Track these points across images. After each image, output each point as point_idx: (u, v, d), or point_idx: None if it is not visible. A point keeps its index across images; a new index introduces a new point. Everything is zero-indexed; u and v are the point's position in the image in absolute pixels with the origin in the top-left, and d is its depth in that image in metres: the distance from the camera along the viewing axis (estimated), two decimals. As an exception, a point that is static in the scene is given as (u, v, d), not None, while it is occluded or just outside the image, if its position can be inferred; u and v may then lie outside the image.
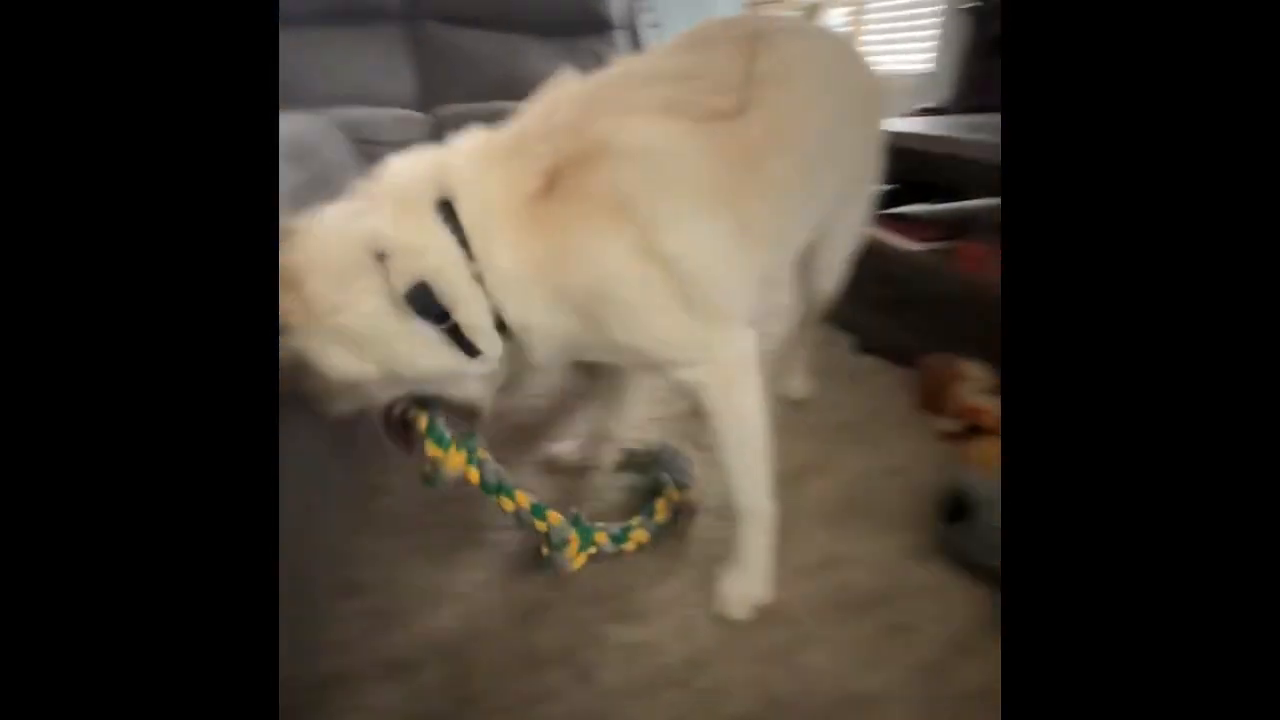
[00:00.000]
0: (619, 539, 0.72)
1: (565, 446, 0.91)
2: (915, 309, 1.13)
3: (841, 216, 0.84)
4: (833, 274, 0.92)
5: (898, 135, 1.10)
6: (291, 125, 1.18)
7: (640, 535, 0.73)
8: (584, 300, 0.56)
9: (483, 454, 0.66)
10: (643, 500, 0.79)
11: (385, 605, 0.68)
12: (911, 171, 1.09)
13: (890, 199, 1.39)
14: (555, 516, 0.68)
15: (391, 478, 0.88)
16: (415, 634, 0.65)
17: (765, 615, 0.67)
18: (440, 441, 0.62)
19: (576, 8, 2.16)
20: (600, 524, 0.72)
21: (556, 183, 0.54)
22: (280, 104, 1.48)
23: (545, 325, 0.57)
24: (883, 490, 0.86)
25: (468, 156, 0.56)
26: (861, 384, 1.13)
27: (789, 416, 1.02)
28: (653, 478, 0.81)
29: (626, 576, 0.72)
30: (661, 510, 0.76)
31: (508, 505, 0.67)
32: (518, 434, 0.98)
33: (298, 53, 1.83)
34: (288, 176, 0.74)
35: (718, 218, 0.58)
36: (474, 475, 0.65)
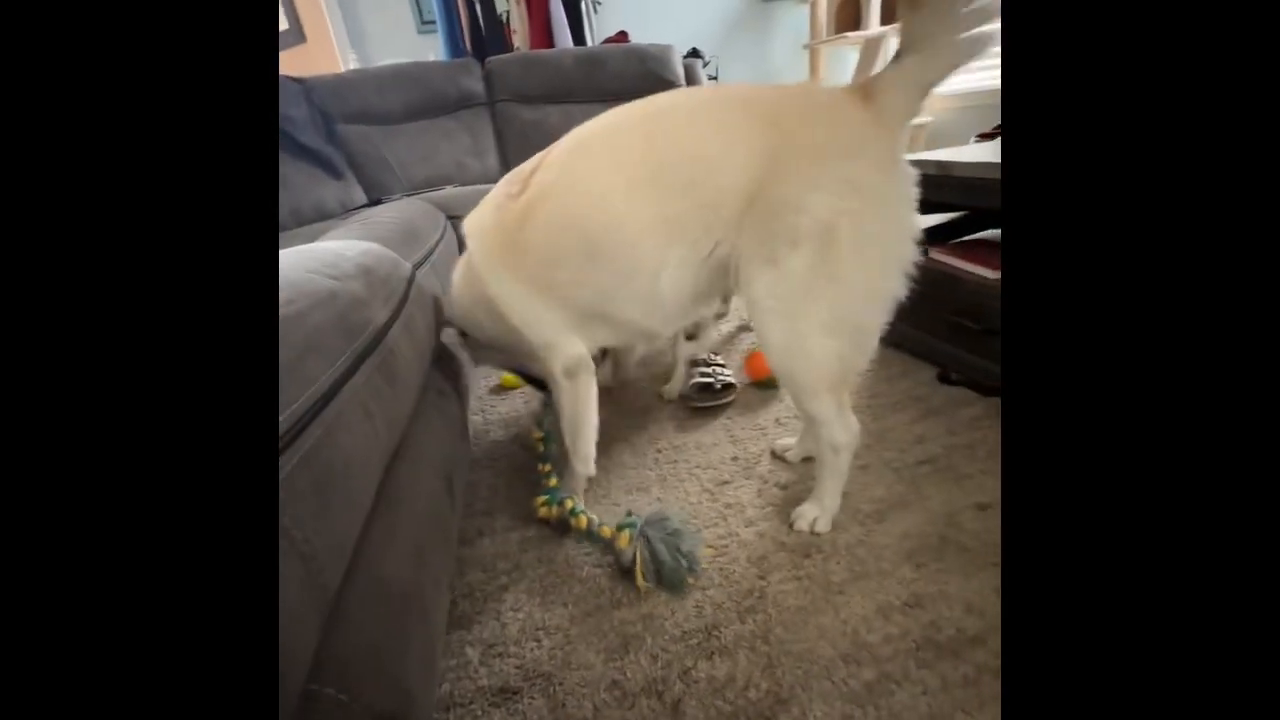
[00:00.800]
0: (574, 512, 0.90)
1: None
2: (998, 337, 1.09)
3: (745, 275, 0.74)
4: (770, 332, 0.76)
5: (961, 165, 1.10)
6: (407, 208, 1.37)
7: (581, 521, 0.88)
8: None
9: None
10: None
11: (490, 637, 0.76)
12: (980, 199, 1.08)
13: (960, 227, 1.37)
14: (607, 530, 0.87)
15: (495, 520, 0.98)
16: (517, 664, 0.71)
17: (851, 654, 0.67)
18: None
19: (640, 74, 2.32)
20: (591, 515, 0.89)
21: None
22: (393, 189, 1.79)
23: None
24: (973, 527, 0.83)
25: None
26: (944, 417, 1.10)
27: (870, 453, 1.02)
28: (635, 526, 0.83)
29: (713, 614, 0.75)
30: (606, 532, 0.86)
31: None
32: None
33: (403, 145, 2.11)
34: (409, 249, 0.98)
35: (505, 271, 0.84)
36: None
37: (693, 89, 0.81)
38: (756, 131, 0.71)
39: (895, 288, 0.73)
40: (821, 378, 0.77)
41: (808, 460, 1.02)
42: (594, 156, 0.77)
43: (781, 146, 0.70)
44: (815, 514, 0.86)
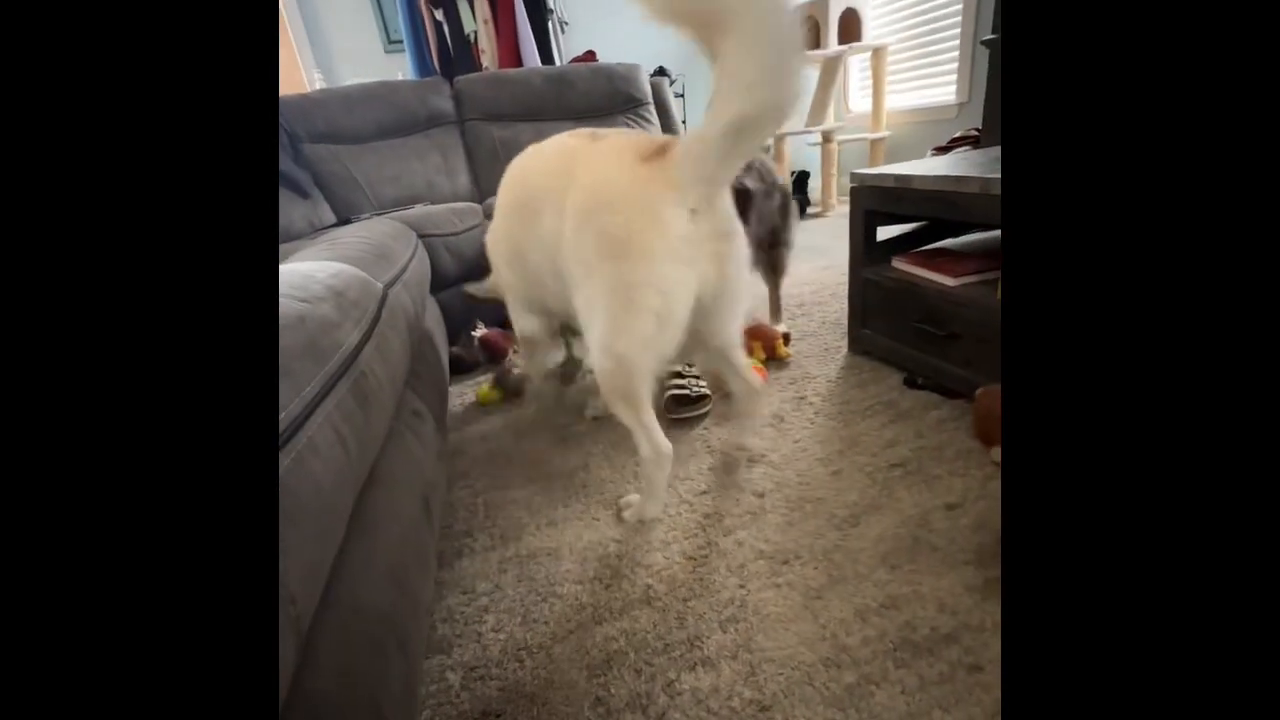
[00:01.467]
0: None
1: None
2: (960, 342, 1.13)
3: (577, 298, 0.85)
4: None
5: (920, 178, 1.14)
6: (377, 227, 1.36)
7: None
8: None
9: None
10: None
11: (471, 660, 0.74)
12: (938, 210, 1.12)
13: (920, 237, 1.42)
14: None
15: (474, 540, 0.97)
16: (500, 686, 0.71)
17: (831, 658, 0.68)
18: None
19: (608, 93, 2.35)
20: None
21: None
22: (363, 208, 1.80)
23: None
24: (942, 526, 0.85)
25: None
26: (913, 420, 1.13)
27: (843, 458, 1.04)
28: None
29: (695, 625, 0.75)
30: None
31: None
32: (581, 492, 1.04)
33: (372, 164, 2.09)
34: (380, 269, 0.95)
35: (501, 264, 1.10)
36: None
37: (558, 136, 0.95)
38: (563, 176, 0.84)
39: (653, 336, 0.77)
40: (606, 389, 0.84)
41: (752, 460, 1.04)
42: (507, 190, 1.01)
43: (568, 192, 0.81)
44: (632, 509, 0.95)
